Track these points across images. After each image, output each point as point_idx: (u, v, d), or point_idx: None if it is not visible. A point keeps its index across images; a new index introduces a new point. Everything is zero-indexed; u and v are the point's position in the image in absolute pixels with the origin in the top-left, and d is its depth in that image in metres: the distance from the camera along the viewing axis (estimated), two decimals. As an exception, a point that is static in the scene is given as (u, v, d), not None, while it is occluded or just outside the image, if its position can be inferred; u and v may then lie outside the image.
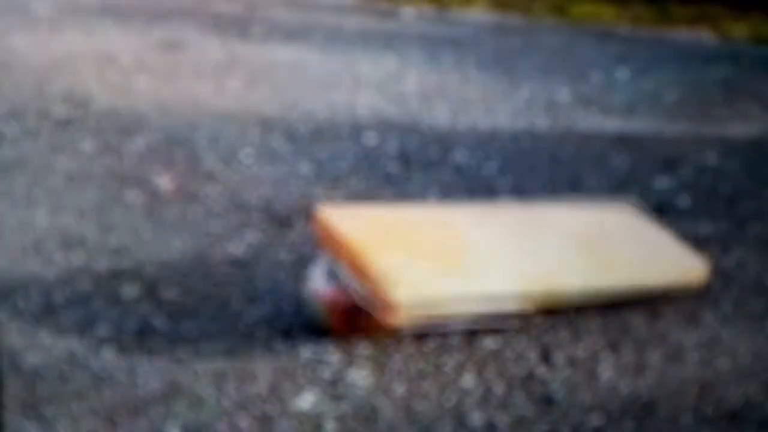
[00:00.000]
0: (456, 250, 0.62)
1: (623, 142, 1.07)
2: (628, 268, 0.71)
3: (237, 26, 1.38)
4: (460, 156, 1.01)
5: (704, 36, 1.52)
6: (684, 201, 0.92)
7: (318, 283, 0.63)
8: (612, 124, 1.13)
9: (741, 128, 1.11)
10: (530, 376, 0.62)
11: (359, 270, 0.60)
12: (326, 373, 0.61)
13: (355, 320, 0.62)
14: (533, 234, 0.68)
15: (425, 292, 0.60)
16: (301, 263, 0.71)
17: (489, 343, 0.65)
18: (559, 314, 0.68)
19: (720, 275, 0.76)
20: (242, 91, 1.13)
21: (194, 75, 1.18)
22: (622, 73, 1.32)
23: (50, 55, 1.23)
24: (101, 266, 0.74)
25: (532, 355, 0.64)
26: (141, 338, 0.65)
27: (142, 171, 0.92)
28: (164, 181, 0.89)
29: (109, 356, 0.63)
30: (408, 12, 1.52)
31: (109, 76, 1.16)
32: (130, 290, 0.71)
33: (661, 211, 0.87)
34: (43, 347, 0.63)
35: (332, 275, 0.62)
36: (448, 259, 0.62)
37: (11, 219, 0.80)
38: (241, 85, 1.15)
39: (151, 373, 0.61)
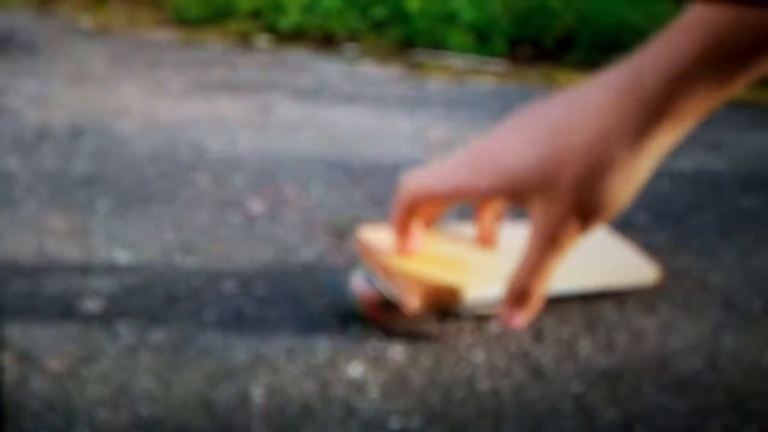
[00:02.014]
0: (466, 258, 0.60)
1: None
2: (598, 270, 0.68)
3: (310, 94, 1.38)
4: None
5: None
6: (642, 218, 0.88)
7: (358, 285, 0.61)
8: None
9: (685, 162, 1.07)
10: (526, 353, 0.59)
11: (389, 274, 0.58)
12: (370, 350, 0.58)
13: (386, 311, 0.60)
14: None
15: (441, 288, 0.57)
16: (352, 267, 0.68)
17: (494, 327, 0.62)
18: (548, 305, 0.65)
19: (672, 275, 0.72)
20: (313, 141, 1.12)
21: (279, 129, 1.18)
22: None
23: (179, 117, 1.24)
24: (209, 267, 0.73)
25: (527, 336, 0.61)
26: (236, 321, 0.63)
27: (241, 198, 0.91)
28: (256, 206, 0.87)
29: (212, 335, 0.61)
30: (434, 82, 1.50)
31: (220, 130, 1.16)
32: (229, 286, 0.69)
33: (624, 225, 0.83)
34: (164, 328, 0.62)
35: (369, 279, 0.60)
36: (459, 264, 0.59)
37: (146, 234, 0.80)
38: (312, 136, 1.14)
39: (242, 347, 0.59)
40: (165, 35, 1.78)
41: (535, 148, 0.39)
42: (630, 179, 0.38)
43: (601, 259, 0.69)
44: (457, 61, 1.58)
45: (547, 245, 0.40)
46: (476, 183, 0.42)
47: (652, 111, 0.36)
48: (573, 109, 0.40)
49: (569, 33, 1.68)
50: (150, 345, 0.60)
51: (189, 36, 1.77)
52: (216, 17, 1.89)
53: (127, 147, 1.06)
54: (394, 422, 0.50)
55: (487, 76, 1.52)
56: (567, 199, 0.38)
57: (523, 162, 0.39)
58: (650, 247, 0.77)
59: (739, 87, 0.36)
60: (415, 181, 0.48)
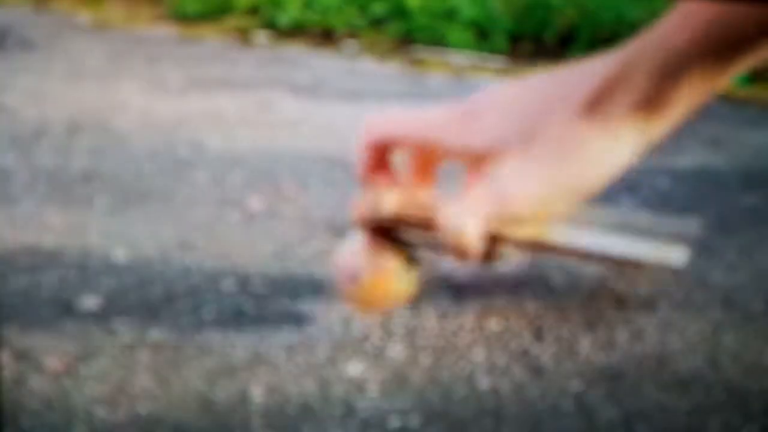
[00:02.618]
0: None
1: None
2: (629, 235, 0.67)
3: (309, 91, 1.37)
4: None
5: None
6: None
7: (344, 258, 0.58)
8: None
9: (686, 160, 1.07)
10: (526, 352, 0.59)
11: (381, 247, 0.55)
12: (370, 348, 0.58)
13: (374, 288, 0.58)
14: None
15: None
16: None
17: (494, 325, 0.62)
18: (548, 304, 0.65)
19: (672, 274, 0.72)
20: (312, 138, 1.12)
21: (278, 126, 1.17)
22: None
23: (177, 114, 1.23)
24: (208, 265, 0.73)
25: (527, 334, 0.61)
26: (235, 319, 0.63)
27: (239, 195, 0.91)
28: (254, 203, 0.87)
29: (211, 333, 0.61)
30: (434, 78, 1.50)
31: (218, 127, 1.16)
32: (228, 284, 0.69)
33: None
34: (163, 326, 0.62)
35: (356, 252, 0.57)
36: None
37: (144, 232, 0.79)
38: (311, 133, 1.14)
39: (241, 345, 0.59)
40: (163, 31, 1.77)
41: (512, 124, 0.39)
42: (606, 165, 0.38)
43: (633, 227, 0.68)
44: (457, 57, 1.58)
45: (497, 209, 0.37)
46: (460, 139, 0.39)
47: (638, 105, 0.36)
48: (555, 92, 0.39)
49: (570, 29, 1.68)
50: (148, 343, 0.59)
51: (187, 32, 1.77)
52: (214, 13, 1.88)
53: (125, 144, 1.06)
54: (394, 421, 0.50)
55: (487, 73, 1.52)
56: (537, 176, 0.37)
57: (501, 134, 0.38)
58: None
59: (730, 76, 0.36)
60: (386, 122, 0.42)
